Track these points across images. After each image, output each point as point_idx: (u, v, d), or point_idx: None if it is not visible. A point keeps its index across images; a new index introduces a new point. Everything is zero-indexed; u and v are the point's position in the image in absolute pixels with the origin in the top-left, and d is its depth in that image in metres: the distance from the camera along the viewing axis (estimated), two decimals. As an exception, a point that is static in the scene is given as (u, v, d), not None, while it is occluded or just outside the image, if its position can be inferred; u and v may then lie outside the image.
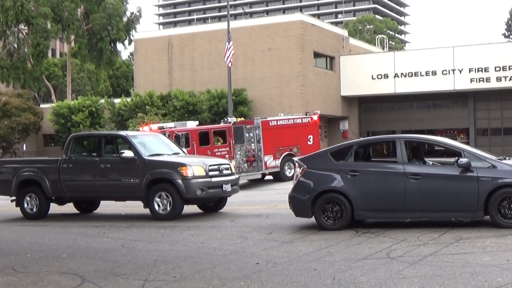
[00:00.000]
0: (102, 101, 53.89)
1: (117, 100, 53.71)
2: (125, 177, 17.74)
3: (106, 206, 20.99)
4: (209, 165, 17.64)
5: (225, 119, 33.00)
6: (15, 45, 62.37)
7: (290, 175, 30.84)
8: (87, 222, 18.02)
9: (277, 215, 17.13)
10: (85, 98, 54.23)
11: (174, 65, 54.17)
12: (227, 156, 30.12)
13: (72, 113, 51.37)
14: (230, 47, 40.85)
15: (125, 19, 64.19)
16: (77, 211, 20.42)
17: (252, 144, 31.15)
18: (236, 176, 18.90)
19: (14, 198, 19.43)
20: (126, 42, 65.55)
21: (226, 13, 48.05)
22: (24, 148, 52.65)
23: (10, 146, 52.20)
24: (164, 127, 32.04)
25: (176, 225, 16.04)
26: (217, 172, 17.76)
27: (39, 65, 61.94)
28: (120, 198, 18.90)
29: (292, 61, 49.43)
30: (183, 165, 17.10)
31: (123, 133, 19.54)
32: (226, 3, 48.37)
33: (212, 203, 18.65)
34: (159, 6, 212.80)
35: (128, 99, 51.72)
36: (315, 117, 33.22)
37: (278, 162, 31.45)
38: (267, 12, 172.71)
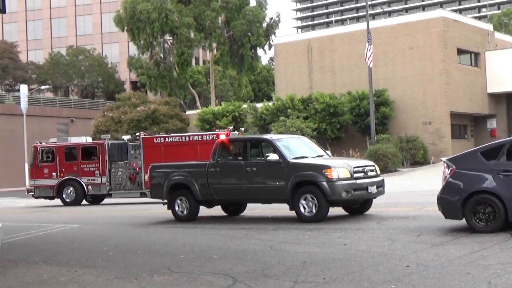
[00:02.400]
0: (245, 106, 54.87)
1: (259, 105, 54.52)
2: (271, 180, 17.95)
3: (252, 209, 21.36)
4: (354, 167, 17.52)
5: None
6: (161, 55, 64.88)
7: None
8: (235, 224, 18.40)
9: (425, 217, 16.76)
10: (228, 103, 55.43)
11: (314, 68, 54.32)
12: (96, 172, 31.48)
13: (217, 118, 52.66)
14: (370, 48, 40.52)
15: (264, 24, 65.18)
16: (224, 214, 20.90)
17: (139, 162, 31.07)
18: (382, 177, 18.66)
19: (166, 201, 20.19)
20: (266, 47, 66.60)
21: (364, 13, 47.62)
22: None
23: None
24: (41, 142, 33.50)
25: (322, 227, 16.05)
26: (362, 174, 17.60)
27: (184, 73, 64.16)
28: (266, 201, 19.18)
29: (434, 59, 48.23)
30: (328, 167, 17.07)
31: (267, 136, 19.82)
32: (364, 4, 48.00)
33: (357, 205, 18.52)
34: (297, 10, 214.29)
35: (270, 103, 52.38)
36: (223, 135, 28.81)
37: None
38: (407, 10, 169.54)
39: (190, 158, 28.11)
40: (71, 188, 32.29)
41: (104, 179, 31.72)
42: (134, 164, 31.34)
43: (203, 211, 20.34)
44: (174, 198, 19.79)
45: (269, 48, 67.38)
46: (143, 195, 31.05)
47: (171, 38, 64.32)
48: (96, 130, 52.41)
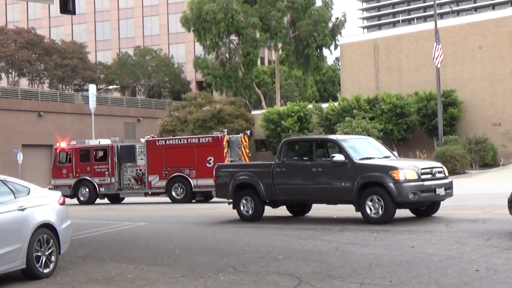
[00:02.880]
0: (310, 106, 54.72)
1: (324, 105, 54.31)
2: (336, 180, 17.82)
3: (318, 209, 21.25)
4: (422, 168, 17.23)
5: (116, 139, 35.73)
6: (227, 55, 65.24)
7: (180, 197, 31.67)
8: (300, 224, 18.34)
9: (495, 220, 16.36)
10: (294, 103, 55.38)
11: (380, 68, 53.80)
12: (106, 173, 33.17)
13: (282, 118, 52.68)
14: (438, 47, 39.89)
15: (330, 24, 64.85)
16: (290, 214, 20.86)
17: (144, 163, 32.82)
18: (450, 179, 18.30)
19: (231, 200, 20.26)
20: (332, 47, 66.22)
21: (432, 12, 46.89)
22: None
23: (225, 151, 54.41)
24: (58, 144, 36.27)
25: (389, 229, 15.85)
26: (429, 176, 17.30)
27: (249, 73, 64.37)
28: (331, 202, 19.05)
29: (505, 59, 47.17)
30: (395, 168, 16.85)
31: (333, 137, 19.70)
32: (432, 3, 47.30)
33: (424, 207, 18.22)
34: (363, 9, 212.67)
35: (335, 104, 52.13)
36: (219, 137, 31.41)
37: (164, 182, 31.92)
38: (476, 9, 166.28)
39: (187, 160, 31.09)
40: (85, 188, 34.00)
41: (113, 179, 33.33)
42: (140, 166, 33.12)
43: (268, 211, 20.36)
44: (239, 198, 19.83)
45: (335, 48, 67.05)
46: (147, 195, 33.22)
47: (236, 38, 64.63)
48: (163, 130, 53.10)
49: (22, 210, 11.18)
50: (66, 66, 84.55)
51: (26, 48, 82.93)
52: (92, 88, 68.07)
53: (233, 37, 65.10)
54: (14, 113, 66.94)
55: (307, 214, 20.85)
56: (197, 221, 21.03)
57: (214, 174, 21.27)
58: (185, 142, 32.42)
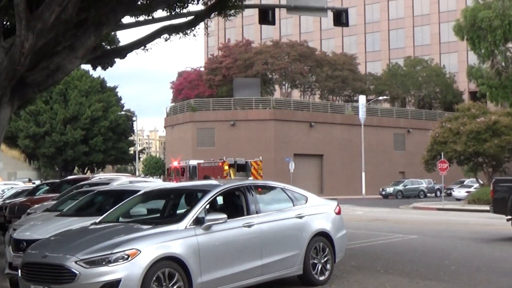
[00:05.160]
0: None
1: None
2: None
3: None
4: None
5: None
6: (503, 64, 62.16)
7: None
8: None
9: None
10: None
11: None
12: None
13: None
14: None
15: None
16: None
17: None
18: None
19: (510, 217, 19.07)
20: None
21: None
22: (516, 167, 51.83)
23: (500, 164, 51.77)
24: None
25: None
26: None
27: (528, 81, 60.72)
28: None
29: None
30: None
31: None
32: None
33: None
34: None
35: None
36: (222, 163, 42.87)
37: None
38: None
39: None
40: None
41: None
42: None
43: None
44: (520, 214, 18.65)
45: None
46: None
47: (513, 46, 61.34)
48: (434, 141, 51.87)
49: (300, 217, 11.43)
50: (336, 78, 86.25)
51: (299, 60, 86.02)
52: (362, 99, 68.85)
53: (509, 44, 61.84)
54: (287, 123, 69.95)
55: None
56: (472, 237, 20.13)
57: (491, 189, 20.20)
58: (209, 165, 44.40)
